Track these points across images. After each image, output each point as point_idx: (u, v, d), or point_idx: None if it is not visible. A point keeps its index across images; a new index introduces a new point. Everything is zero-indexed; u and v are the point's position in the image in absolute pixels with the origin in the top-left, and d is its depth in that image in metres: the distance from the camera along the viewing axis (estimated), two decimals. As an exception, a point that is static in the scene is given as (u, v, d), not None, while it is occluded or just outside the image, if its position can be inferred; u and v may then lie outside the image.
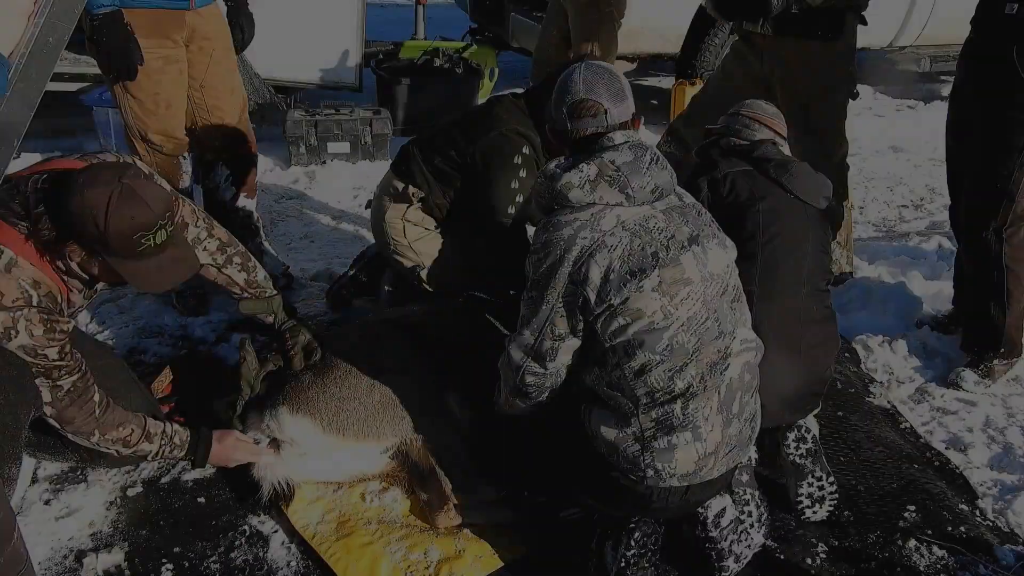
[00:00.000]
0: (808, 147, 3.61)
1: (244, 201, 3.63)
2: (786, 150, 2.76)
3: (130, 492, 2.55)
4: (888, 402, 3.13)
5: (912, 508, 2.58)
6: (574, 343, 2.08)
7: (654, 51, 5.96)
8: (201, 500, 2.53)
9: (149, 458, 2.41)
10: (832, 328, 2.63)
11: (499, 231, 3.06)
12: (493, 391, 2.31)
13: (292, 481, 2.51)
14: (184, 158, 3.39)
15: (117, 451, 2.33)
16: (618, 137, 2.09)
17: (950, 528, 2.51)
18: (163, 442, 2.39)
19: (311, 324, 3.37)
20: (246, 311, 2.78)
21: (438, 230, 3.24)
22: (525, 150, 3.03)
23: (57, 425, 2.23)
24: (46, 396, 2.15)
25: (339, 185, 4.98)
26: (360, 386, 2.51)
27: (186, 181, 3.44)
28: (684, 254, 2.03)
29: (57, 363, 2.12)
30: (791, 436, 2.50)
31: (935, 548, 2.43)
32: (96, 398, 2.24)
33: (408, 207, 3.18)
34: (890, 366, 3.34)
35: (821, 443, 2.80)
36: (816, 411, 2.87)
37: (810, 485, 2.48)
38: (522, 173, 3.01)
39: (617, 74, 2.18)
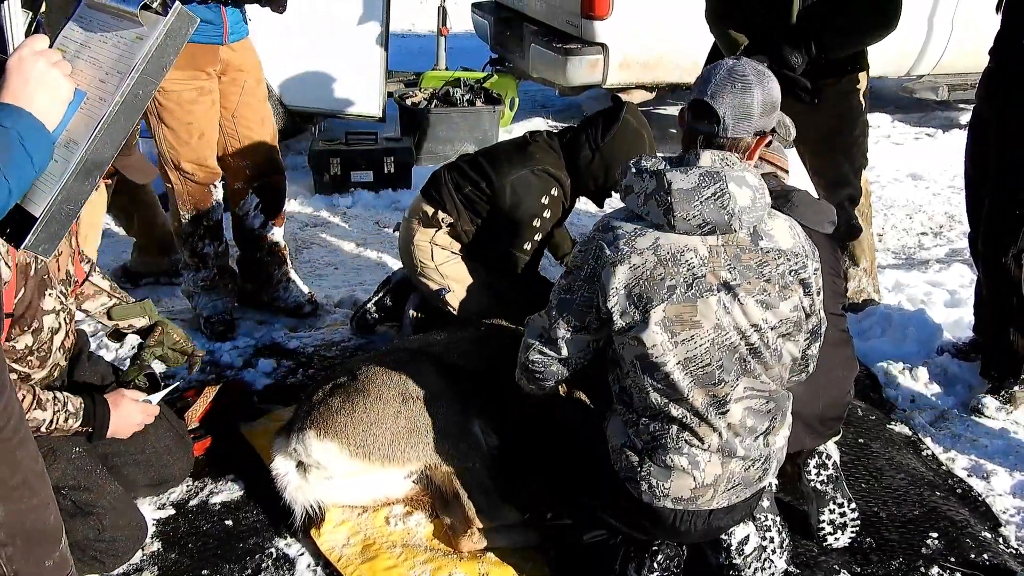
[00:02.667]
0: (829, 168, 3.68)
1: (272, 229, 3.71)
2: (787, 181, 2.81)
3: (159, 515, 2.59)
4: (909, 429, 3.13)
5: (935, 535, 2.58)
6: (584, 338, 2.15)
7: (672, 81, 6.03)
8: (229, 523, 2.58)
9: (44, 428, 2.21)
10: (848, 351, 2.65)
11: (515, 263, 3.17)
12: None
13: (323, 504, 2.55)
14: (215, 187, 3.47)
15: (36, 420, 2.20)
16: (705, 159, 2.02)
17: (973, 555, 2.50)
18: (56, 408, 2.23)
19: (334, 349, 3.46)
20: (119, 317, 2.66)
21: (463, 254, 3.29)
22: (554, 191, 3.12)
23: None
24: None
25: (363, 213, 5.06)
26: (386, 411, 2.55)
27: (217, 210, 3.52)
28: (706, 297, 2.00)
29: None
30: (812, 463, 2.52)
31: (958, 575, 2.43)
32: None
33: (436, 231, 3.24)
34: (911, 393, 3.35)
35: (843, 470, 2.82)
36: (837, 437, 2.89)
37: (832, 512, 2.49)
38: (546, 213, 3.11)
39: (761, 82, 2.05)
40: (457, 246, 3.27)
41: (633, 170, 2.06)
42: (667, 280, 1.98)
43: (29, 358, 2.29)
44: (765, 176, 2.68)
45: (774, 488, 2.52)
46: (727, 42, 3.62)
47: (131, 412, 2.42)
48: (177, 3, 1.46)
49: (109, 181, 3.41)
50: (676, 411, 2.06)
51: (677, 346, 2.01)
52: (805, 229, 2.56)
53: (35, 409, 2.19)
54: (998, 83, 3.08)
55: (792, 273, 2.08)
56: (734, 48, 3.55)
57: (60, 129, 1.39)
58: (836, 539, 2.50)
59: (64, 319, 2.38)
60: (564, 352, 2.18)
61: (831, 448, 2.59)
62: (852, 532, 2.51)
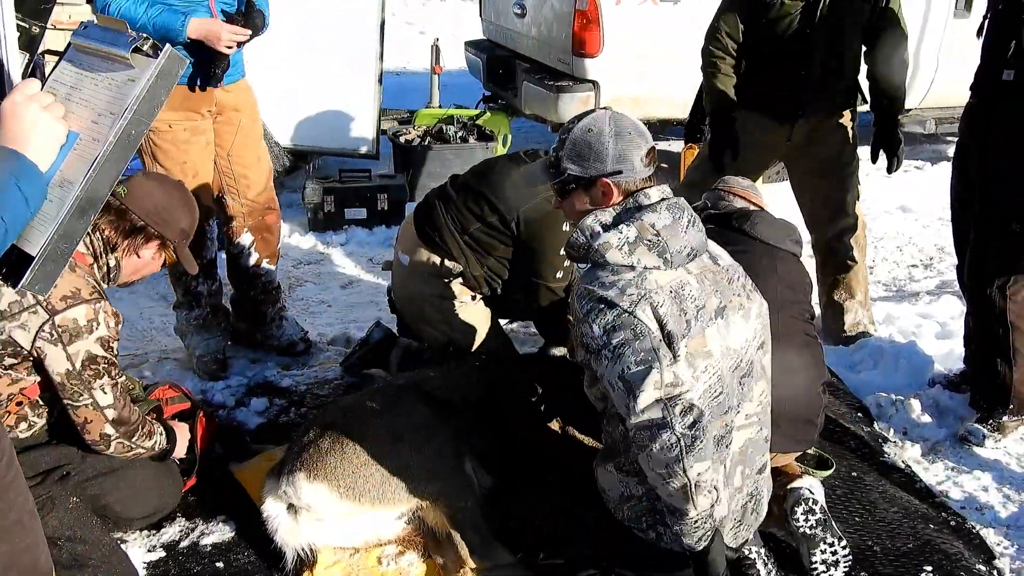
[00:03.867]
0: (829, 199, 3.78)
1: (267, 266, 3.73)
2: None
3: (149, 557, 2.58)
4: (902, 462, 3.13)
5: (929, 569, 2.57)
6: (681, 366, 1.95)
7: (663, 117, 6.10)
8: (219, 564, 2.56)
9: (155, 448, 2.57)
10: (813, 355, 2.71)
11: (542, 296, 3.09)
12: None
13: (315, 546, 2.54)
14: (209, 225, 3.49)
15: (143, 447, 2.51)
16: (654, 194, 2.06)
17: (967, 589, 2.50)
18: (159, 435, 2.58)
19: (327, 387, 3.46)
20: None
21: (474, 300, 3.19)
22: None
23: (112, 431, 2.40)
24: (108, 398, 2.35)
25: (356, 250, 5.09)
26: (376, 452, 2.54)
27: (211, 248, 3.54)
28: (710, 327, 2.02)
29: (115, 359, 2.34)
30: (799, 510, 2.52)
31: (953, 610, 2.43)
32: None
33: (447, 282, 3.12)
34: (903, 425, 3.36)
35: (837, 503, 2.83)
36: (830, 471, 2.90)
37: (823, 552, 2.49)
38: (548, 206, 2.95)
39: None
40: (469, 294, 3.17)
41: (597, 229, 2.02)
42: (684, 315, 1.98)
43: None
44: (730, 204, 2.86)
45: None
46: (718, 92, 3.68)
47: (184, 433, 2.74)
48: (167, 46, 1.51)
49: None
50: None
51: (698, 379, 2.00)
52: (764, 244, 2.70)
53: (153, 436, 2.54)
54: (979, 117, 3.13)
55: (746, 282, 2.17)
56: (723, 98, 3.61)
57: (54, 170, 1.43)
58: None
59: None
60: (687, 381, 1.95)
61: (816, 490, 2.58)
62: (845, 568, 2.50)
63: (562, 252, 2.95)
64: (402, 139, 5.96)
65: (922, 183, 6.41)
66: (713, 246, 2.17)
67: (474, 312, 3.19)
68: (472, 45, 7.33)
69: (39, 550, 1.56)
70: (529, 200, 2.97)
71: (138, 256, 2.53)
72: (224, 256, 3.73)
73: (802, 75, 3.53)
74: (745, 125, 3.76)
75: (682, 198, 2.12)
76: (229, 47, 3.14)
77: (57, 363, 2.27)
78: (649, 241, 1.99)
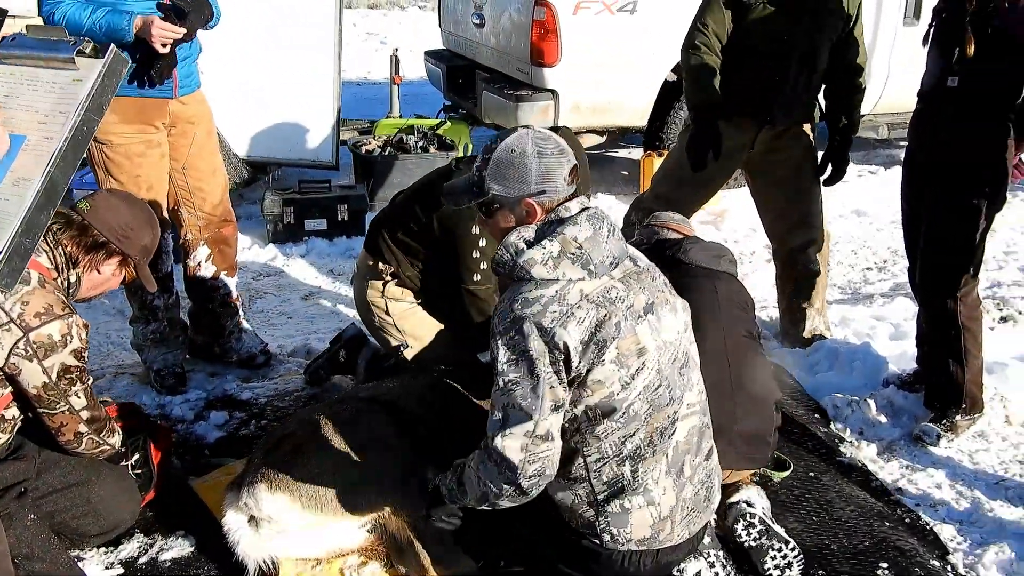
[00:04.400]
0: (792, 211, 3.84)
1: (225, 278, 3.70)
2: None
3: (108, 574, 2.54)
4: (859, 461, 3.19)
5: (884, 566, 2.62)
6: (561, 416, 2.02)
7: (622, 125, 6.16)
8: (179, 581, 2.54)
9: (117, 446, 2.61)
10: (764, 373, 2.77)
11: (470, 303, 3.12)
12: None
13: (276, 559, 2.52)
14: (164, 239, 3.45)
15: (110, 444, 2.56)
16: (574, 207, 2.10)
17: (922, 584, 2.55)
18: (118, 431, 2.63)
19: (288, 399, 3.44)
20: None
21: (421, 302, 3.27)
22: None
23: (85, 429, 2.45)
24: (83, 401, 2.41)
25: (317, 261, 5.07)
26: (337, 462, 2.53)
27: (167, 261, 3.50)
28: (640, 324, 2.06)
29: (86, 366, 2.39)
30: (739, 527, 2.56)
31: (908, 605, 2.47)
32: None
33: (385, 283, 3.23)
34: (859, 425, 3.42)
35: (795, 502, 2.87)
36: (788, 472, 2.95)
37: (773, 559, 2.53)
38: (482, 242, 3.05)
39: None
40: (410, 295, 3.25)
41: (521, 246, 2.04)
42: (612, 319, 2.02)
43: None
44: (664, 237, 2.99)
45: (713, 524, 2.55)
46: (703, 88, 3.59)
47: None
48: (112, 46, 1.56)
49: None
50: (631, 445, 2.08)
51: (635, 378, 2.04)
52: (702, 269, 2.81)
53: (113, 435, 2.58)
54: (926, 123, 3.21)
55: (666, 280, 2.24)
56: (709, 94, 3.60)
57: (2, 172, 1.43)
58: None
59: None
60: (557, 441, 2.01)
61: (754, 499, 2.63)
62: (799, 566, 2.53)
63: (475, 255, 3.03)
64: (363, 149, 5.94)
65: (875, 187, 6.54)
66: (632, 250, 2.23)
67: (416, 317, 3.25)
68: (432, 55, 7.35)
69: (6, 560, 1.54)
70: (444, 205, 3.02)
71: (99, 272, 2.52)
72: (181, 269, 3.69)
73: (776, 80, 3.56)
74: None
75: (600, 208, 2.16)
76: (164, 45, 3.05)
77: (33, 377, 2.28)
78: (572, 254, 2.02)
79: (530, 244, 2.05)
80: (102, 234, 2.46)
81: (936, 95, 3.15)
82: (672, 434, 2.13)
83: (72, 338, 2.30)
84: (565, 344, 1.96)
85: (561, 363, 1.98)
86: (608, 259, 2.07)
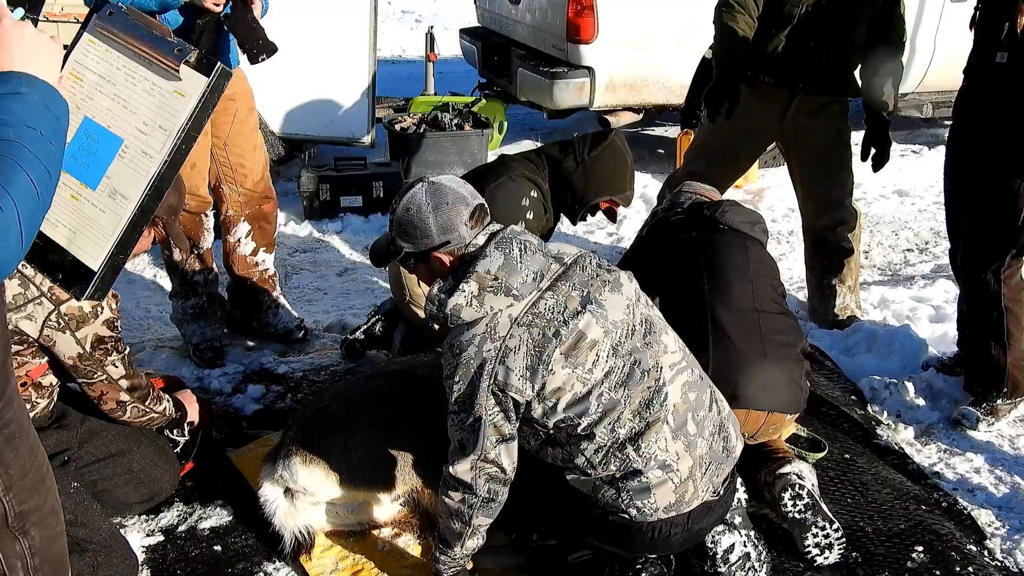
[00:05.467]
0: (823, 190, 3.79)
1: (263, 256, 3.74)
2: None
3: (148, 542, 2.60)
4: (896, 444, 3.15)
5: (920, 549, 2.59)
6: (514, 444, 2.13)
7: (659, 102, 6.09)
8: (217, 548, 2.58)
9: (165, 414, 2.65)
10: (788, 322, 2.77)
11: None
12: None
13: (312, 529, 2.57)
14: (206, 216, 3.50)
15: (158, 412, 2.61)
16: (480, 239, 2.15)
17: (958, 568, 2.52)
18: (168, 402, 2.67)
19: (323, 373, 3.47)
20: None
21: None
22: (533, 193, 3.13)
23: (127, 398, 2.50)
24: (120, 371, 2.45)
25: (352, 238, 5.10)
26: (371, 436, 2.56)
27: (207, 237, 3.55)
28: (581, 319, 2.07)
29: (121, 335, 2.42)
30: (786, 496, 2.54)
31: (944, 589, 2.45)
32: None
33: None
34: (897, 408, 3.38)
35: (830, 484, 2.85)
36: (823, 453, 2.92)
37: (815, 536, 2.50)
38: (529, 215, 3.09)
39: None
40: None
41: (443, 295, 2.09)
42: (547, 331, 2.05)
43: None
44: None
45: (744, 504, 2.54)
46: (737, 43, 3.58)
47: (192, 400, 2.85)
48: (219, 63, 1.49)
49: None
50: (623, 430, 2.09)
51: (592, 372, 2.07)
52: (735, 231, 2.86)
53: (162, 401, 2.64)
54: (972, 101, 3.13)
55: (600, 262, 2.23)
56: (734, 49, 3.58)
57: (97, 177, 1.43)
58: (825, 558, 2.51)
59: None
60: (506, 464, 2.13)
61: (805, 472, 2.60)
62: (840, 549, 2.51)
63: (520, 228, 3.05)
64: (397, 127, 5.95)
65: (919, 167, 6.41)
66: (555, 249, 2.22)
67: None
68: (467, 33, 7.31)
69: (63, 539, 1.58)
70: (495, 181, 3.09)
71: None
72: (221, 245, 3.73)
73: (810, 47, 3.53)
74: (743, 102, 3.76)
75: (510, 227, 2.19)
76: (216, 4, 3.04)
77: (68, 348, 2.33)
78: (492, 287, 2.06)
79: (451, 291, 2.09)
80: None
81: (983, 72, 3.07)
82: (664, 400, 2.13)
83: (103, 308, 2.34)
84: (509, 381, 2.03)
85: (510, 401, 2.05)
86: (528, 277, 2.09)
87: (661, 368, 2.15)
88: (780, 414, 2.65)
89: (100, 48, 1.52)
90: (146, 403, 2.56)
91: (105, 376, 2.43)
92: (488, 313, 2.06)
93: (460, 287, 2.07)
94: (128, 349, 2.51)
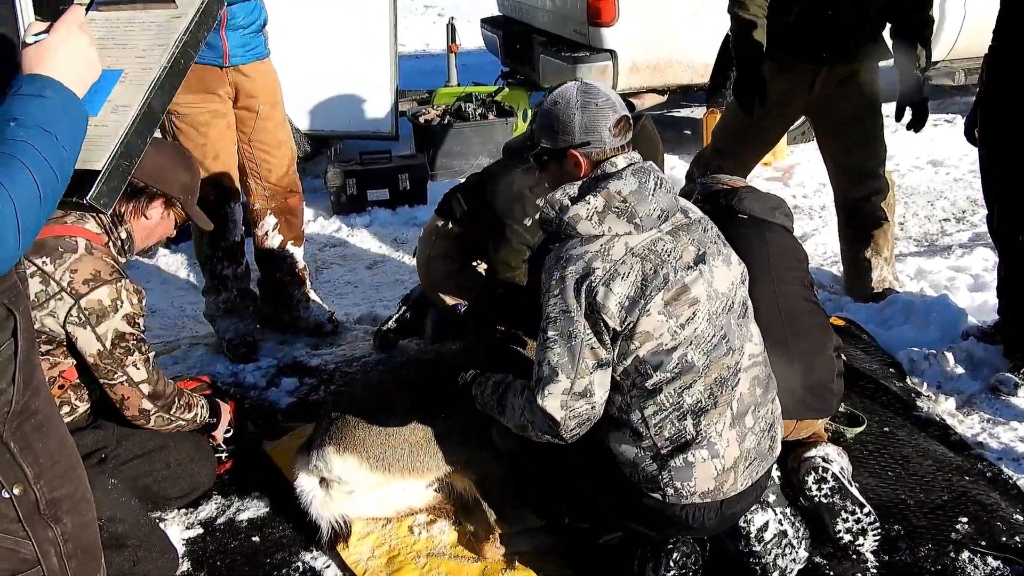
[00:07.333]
0: (855, 161, 3.71)
1: (292, 248, 3.77)
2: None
3: (188, 535, 2.63)
4: (936, 415, 3.09)
5: (964, 520, 2.54)
6: (607, 372, 2.03)
7: (683, 83, 6.03)
8: (256, 539, 2.61)
9: (197, 420, 2.64)
10: (818, 320, 2.69)
11: (512, 243, 3.12)
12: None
13: (348, 518, 2.58)
14: (231, 208, 3.53)
15: (183, 419, 2.57)
16: (620, 161, 2.09)
17: (1004, 538, 2.46)
18: (200, 405, 2.66)
19: (355, 365, 3.49)
20: None
21: (476, 266, 3.31)
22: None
23: (149, 406, 2.46)
24: (142, 374, 2.41)
25: (380, 231, 5.12)
26: (403, 423, 2.56)
27: (235, 231, 3.58)
28: (690, 274, 2.03)
29: (144, 335, 2.40)
30: (810, 479, 2.48)
31: (990, 559, 2.40)
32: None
33: (449, 245, 3.26)
34: (937, 379, 3.31)
35: (869, 458, 2.80)
36: (862, 427, 2.87)
37: (845, 521, 2.43)
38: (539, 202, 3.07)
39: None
40: (470, 259, 3.30)
41: (566, 202, 2.04)
42: (660, 271, 2.00)
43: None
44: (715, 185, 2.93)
45: (778, 482, 2.50)
46: (755, 34, 3.54)
47: (226, 413, 2.82)
48: None
49: None
50: (690, 399, 2.04)
51: (684, 327, 2.02)
52: (754, 219, 2.73)
53: (194, 408, 2.62)
54: (1003, 62, 3.05)
55: (719, 233, 2.19)
56: (751, 40, 3.53)
57: (99, 103, 1.45)
58: (860, 544, 2.43)
59: None
60: (598, 395, 2.03)
61: (833, 455, 2.54)
62: (875, 535, 2.43)
63: (539, 202, 3.01)
64: (421, 119, 5.96)
65: (953, 136, 6.25)
66: (684, 202, 2.19)
67: (478, 279, 3.30)
68: (488, 22, 7.29)
69: (94, 526, 1.61)
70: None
71: (146, 218, 2.54)
72: (251, 240, 3.77)
73: (828, 15, 3.45)
74: (770, 79, 3.70)
75: (650, 162, 2.13)
76: None
77: (89, 345, 2.32)
78: (617, 208, 2.00)
79: (574, 200, 2.05)
80: (138, 179, 2.45)
81: (1014, 30, 2.99)
82: (735, 385, 2.09)
83: (122, 303, 2.32)
84: (607, 304, 1.96)
85: (601, 324, 1.98)
86: (655, 212, 2.04)
87: (744, 353, 2.13)
88: (811, 420, 2.62)
89: (100, 19, 1.60)
90: (171, 412, 2.53)
91: (125, 377, 2.40)
92: (606, 233, 2.00)
93: (587, 198, 2.01)
94: (153, 353, 2.50)
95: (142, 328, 2.41)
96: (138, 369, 2.41)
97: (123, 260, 2.50)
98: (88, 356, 2.34)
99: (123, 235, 2.50)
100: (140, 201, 2.52)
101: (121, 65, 1.50)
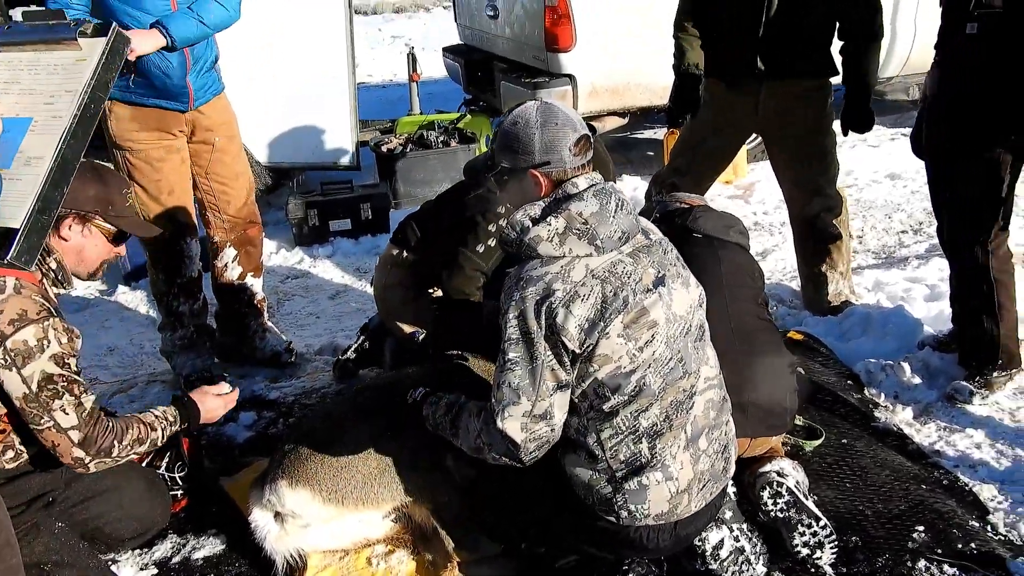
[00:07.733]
0: (807, 178, 3.76)
1: (251, 280, 3.75)
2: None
3: (143, 574, 2.58)
4: (894, 425, 3.10)
5: (921, 528, 2.55)
6: (566, 394, 2.02)
7: (643, 105, 6.08)
8: (210, 577, 2.57)
9: (159, 442, 2.53)
10: (772, 339, 2.70)
11: (463, 270, 3.09)
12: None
13: (304, 552, 2.54)
14: (186, 243, 3.50)
15: (136, 453, 2.44)
16: (582, 182, 2.07)
17: (960, 545, 2.47)
18: (163, 425, 2.53)
19: (314, 396, 3.46)
20: None
21: (432, 293, 3.30)
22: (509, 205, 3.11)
23: (82, 454, 2.30)
24: (71, 419, 2.26)
25: (343, 261, 5.10)
26: (356, 453, 2.53)
27: (192, 266, 3.55)
28: (650, 297, 2.03)
29: (77, 377, 2.27)
30: (765, 494, 2.49)
31: (946, 566, 2.40)
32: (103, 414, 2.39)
33: (404, 273, 3.26)
34: (894, 389, 3.33)
35: (828, 470, 2.81)
36: (820, 440, 2.88)
37: (802, 535, 2.43)
38: (503, 222, 3.06)
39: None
40: (426, 287, 3.28)
41: (527, 223, 2.03)
42: (619, 293, 1.99)
43: None
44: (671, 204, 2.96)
45: (735, 498, 2.49)
46: (687, 57, 3.75)
47: (214, 404, 2.71)
48: (114, 24, 1.57)
49: None
50: (646, 422, 2.04)
51: (643, 351, 2.00)
52: (708, 238, 2.75)
53: (150, 432, 2.48)
54: (945, 76, 3.11)
55: (678, 255, 2.19)
56: (686, 58, 3.71)
57: (10, 156, 1.45)
58: (818, 558, 2.42)
59: None
60: (558, 417, 2.02)
61: (788, 470, 2.55)
62: (833, 548, 2.42)
63: (491, 228, 3.03)
64: (384, 148, 5.97)
65: (909, 150, 6.33)
66: (644, 223, 2.18)
67: (424, 301, 3.28)
68: (449, 50, 7.34)
69: (21, 571, 1.57)
70: (474, 192, 3.13)
71: (65, 240, 2.37)
72: (210, 276, 3.74)
73: (760, 32, 3.50)
74: (713, 100, 3.74)
75: (611, 183, 2.13)
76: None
77: (14, 388, 2.21)
78: (578, 230, 1.99)
79: (536, 221, 2.03)
80: None
81: (955, 45, 3.05)
82: (690, 408, 2.09)
83: (49, 342, 2.20)
84: (566, 326, 1.95)
85: (561, 346, 1.96)
86: (616, 234, 2.03)
87: (699, 376, 2.12)
88: (765, 437, 2.62)
89: (2, 60, 1.60)
90: (114, 454, 2.37)
91: (52, 423, 2.24)
92: (567, 255, 1.99)
93: (548, 219, 2.01)
94: (93, 396, 2.35)
95: (74, 369, 2.28)
96: (67, 414, 2.26)
97: (62, 291, 2.42)
98: (15, 399, 2.22)
99: (53, 265, 2.37)
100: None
101: (29, 112, 1.49)
